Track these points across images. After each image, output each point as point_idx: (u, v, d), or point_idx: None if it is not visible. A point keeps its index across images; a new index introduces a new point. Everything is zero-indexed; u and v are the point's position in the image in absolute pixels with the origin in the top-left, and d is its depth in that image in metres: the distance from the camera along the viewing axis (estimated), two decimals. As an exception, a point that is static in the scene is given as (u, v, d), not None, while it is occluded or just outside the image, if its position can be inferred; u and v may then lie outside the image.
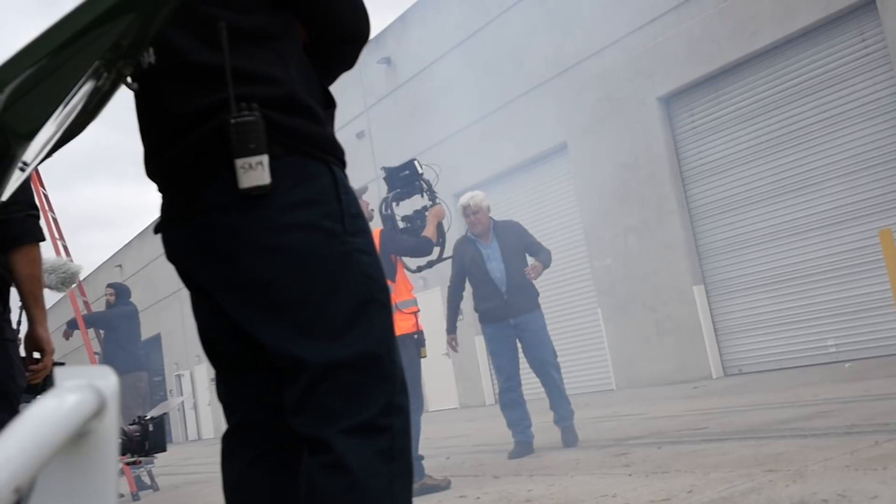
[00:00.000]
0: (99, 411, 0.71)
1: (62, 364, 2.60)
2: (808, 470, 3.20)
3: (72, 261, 6.08)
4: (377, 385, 1.44)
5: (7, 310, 2.62)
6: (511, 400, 5.70)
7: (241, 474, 1.60)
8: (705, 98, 11.18)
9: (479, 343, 14.92)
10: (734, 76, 10.79)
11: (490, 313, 5.87)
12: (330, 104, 1.63)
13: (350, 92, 16.78)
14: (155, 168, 1.58)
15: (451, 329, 6.06)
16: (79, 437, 0.72)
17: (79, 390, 0.69)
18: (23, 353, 2.70)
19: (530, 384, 6.03)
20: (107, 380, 0.77)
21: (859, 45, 9.52)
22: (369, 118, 17.20)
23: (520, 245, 5.94)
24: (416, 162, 4.82)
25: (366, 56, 16.13)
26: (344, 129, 16.59)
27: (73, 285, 5.04)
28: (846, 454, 3.41)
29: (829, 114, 9.81)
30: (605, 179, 12.40)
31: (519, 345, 5.83)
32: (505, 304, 5.78)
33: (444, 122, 15.22)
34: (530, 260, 5.95)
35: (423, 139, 15.26)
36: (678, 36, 11.22)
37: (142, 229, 27.78)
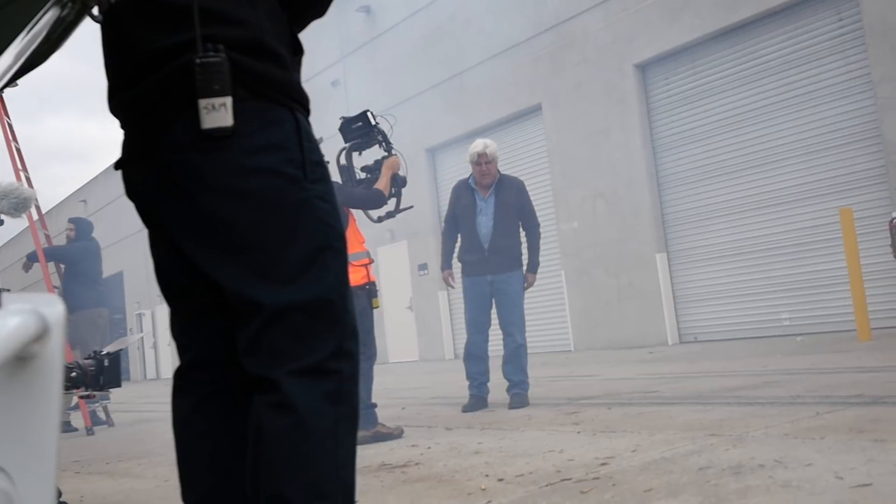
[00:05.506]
0: (41, 336, 0.73)
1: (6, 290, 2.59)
2: (749, 436, 3.31)
3: (31, 186, 5.97)
4: (328, 329, 1.47)
5: None
6: (474, 354, 5.72)
7: (191, 411, 1.63)
8: (682, 68, 11.21)
9: (442, 298, 15.03)
10: (712, 47, 10.81)
11: (470, 266, 5.83)
12: (298, 51, 1.62)
13: (327, 39, 16.54)
14: (118, 104, 1.57)
15: (446, 265, 5.99)
16: (22, 362, 0.73)
17: (21, 314, 0.70)
18: None
19: (497, 344, 5.99)
20: (52, 307, 0.79)
21: (835, 25, 9.59)
22: (345, 67, 16.99)
23: (515, 205, 5.81)
24: (368, 113, 4.77)
25: (345, 3, 15.86)
26: (318, 77, 16.39)
27: (27, 210, 4.96)
28: (787, 423, 3.53)
29: (800, 91, 9.90)
30: (577, 143, 12.43)
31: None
32: (485, 260, 5.74)
33: (421, 75, 15.10)
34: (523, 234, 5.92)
35: (399, 91, 15.14)
36: (659, 3, 11.19)
37: (108, 164, 27.34)
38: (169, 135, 1.46)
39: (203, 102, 1.39)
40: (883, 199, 9.12)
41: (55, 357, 0.79)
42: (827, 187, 9.68)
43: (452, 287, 6.04)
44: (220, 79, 1.38)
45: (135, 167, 1.56)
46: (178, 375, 1.67)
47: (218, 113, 1.39)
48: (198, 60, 1.39)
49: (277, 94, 1.49)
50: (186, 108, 1.41)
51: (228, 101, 1.39)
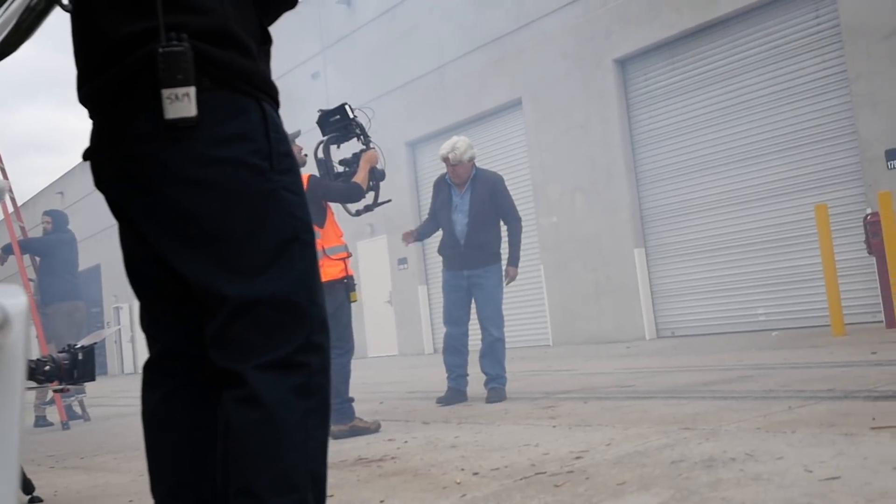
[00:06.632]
0: (1, 326, 0.72)
1: None
2: (722, 430, 3.34)
3: (6, 178, 5.91)
4: (295, 322, 1.46)
5: None
6: (452, 346, 5.74)
7: (160, 404, 1.62)
8: (661, 63, 11.25)
9: (422, 292, 15.03)
10: (690, 43, 10.87)
11: (448, 260, 5.86)
12: (266, 40, 1.61)
13: (307, 31, 16.44)
14: (86, 93, 1.55)
15: (414, 234, 5.96)
16: (-21, 353, 0.73)
17: (-23, 304, 0.70)
18: None
19: (477, 337, 5.99)
20: (14, 299, 0.78)
21: (813, 22, 9.66)
22: (325, 59, 16.91)
23: (491, 201, 5.78)
24: (346, 106, 4.76)
25: (325, -5, 15.78)
26: (298, 69, 16.29)
27: (0, 202, 4.93)
28: (759, 417, 3.56)
29: (778, 87, 9.97)
30: (556, 138, 12.46)
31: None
32: (461, 255, 5.76)
33: (401, 68, 15.06)
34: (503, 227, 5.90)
35: (379, 84, 15.09)
36: (639, -1, 11.24)
37: (85, 157, 27.00)
38: (134, 125, 1.44)
39: (166, 92, 1.37)
40: (858, 195, 9.21)
41: (17, 348, 0.78)
42: (803, 183, 9.77)
43: (407, 244, 5.94)
44: (184, 68, 1.37)
45: (102, 158, 1.55)
46: (148, 368, 1.66)
47: (181, 103, 1.37)
48: (161, 50, 1.37)
49: (243, 84, 1.47)
50: (150, 98, 1.40)
51: (192, 91, 1.38)
